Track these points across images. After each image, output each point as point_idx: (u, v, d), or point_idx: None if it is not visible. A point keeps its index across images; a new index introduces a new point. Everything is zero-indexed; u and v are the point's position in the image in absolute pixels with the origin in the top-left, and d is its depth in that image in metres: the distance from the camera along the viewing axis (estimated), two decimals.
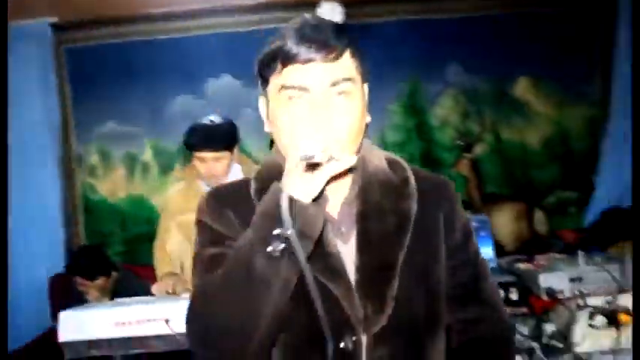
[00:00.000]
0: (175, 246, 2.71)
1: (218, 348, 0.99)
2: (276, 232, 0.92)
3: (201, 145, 2.56)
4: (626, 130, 4.06)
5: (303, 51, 1.01)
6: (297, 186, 0.94)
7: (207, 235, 1.13)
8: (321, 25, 1.06)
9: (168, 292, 2.43)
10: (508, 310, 2.07)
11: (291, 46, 1.02)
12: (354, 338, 1.03)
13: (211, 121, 2.61)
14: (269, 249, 0.93)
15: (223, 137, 2.60)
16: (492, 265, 2.66)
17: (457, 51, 4.16)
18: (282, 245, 0.92)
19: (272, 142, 1.22)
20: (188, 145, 2.61)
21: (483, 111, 4.23)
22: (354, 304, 1.04)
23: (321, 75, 1.02)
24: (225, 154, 2.59)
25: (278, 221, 0.92)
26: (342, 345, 1.02)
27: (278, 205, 0.92)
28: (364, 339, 1.04)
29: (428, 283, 1.11)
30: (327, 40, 1.02)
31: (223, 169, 2.60)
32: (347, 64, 1.06)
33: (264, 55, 1.07)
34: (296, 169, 0.95)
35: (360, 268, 1.07)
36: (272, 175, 1.11)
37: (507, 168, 4.27)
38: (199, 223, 1.16)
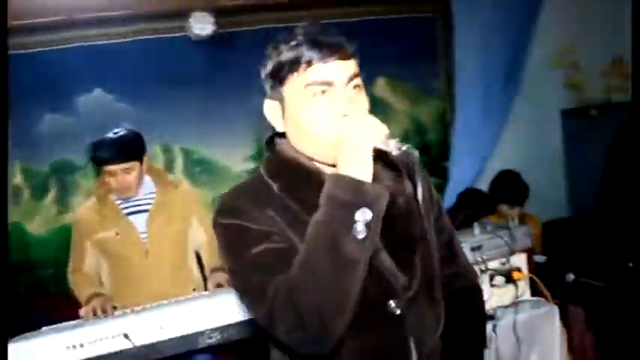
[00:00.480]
0: (92, 264, 2.65)
1: (316, 333, 1.06)
2: (358, 216, 1.04)
3: (110, 158, 2.52)
4: (471, 119, 4.66)
5: (325, 51, 1.15)
6: (368, 172, 1.09)
7: (249, 235, 1.16)
8: (331, 30, 1.20)
9: (96, 314, 2.38)
10: None
11: (314, 47, 1.16)
12: (393, 303, 1.21)
13: (115, 133, 2.59)
14: (360, 236, 1.05)
15: (130, 147, 2.58)
16: None
17: None
18: (366, 227, 1.05)
19: (268, 143, 1.34)
20: (96, 161, 2.56)
21: None
22: (397, 275, 1.22)
23: (341, 71, 1.17)
24: (135, 164, 2.57)
25: (351, 206, 1.05)
26: (390, 309, 1.20)
27: (355, 192, 1.05)
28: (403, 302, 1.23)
29: (431, 248, 1.33)
30: (342, 42, 1.18)
31: (134, 180, 2.58)
32: (354, 62, 1.21)
33: (286, 58, 1.17)
34: (365, 158, 1.09)
35: (387, 246, 1.24)
36: (291, 170, 1.25)
37: None
38: (234, 226, 1.18)
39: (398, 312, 1.20)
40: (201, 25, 4.00)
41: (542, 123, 4.94)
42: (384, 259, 1.22)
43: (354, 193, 1.06)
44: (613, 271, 2.87)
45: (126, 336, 2.00)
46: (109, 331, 2.03)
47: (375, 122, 1.11)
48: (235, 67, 4.10)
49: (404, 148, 1.08)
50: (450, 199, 4.55)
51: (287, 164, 1.27)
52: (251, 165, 4.30)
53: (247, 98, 3.89)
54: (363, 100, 1.21)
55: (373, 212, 1.06)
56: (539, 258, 3.00)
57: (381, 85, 4.65)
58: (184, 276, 2.64)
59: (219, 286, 2.53)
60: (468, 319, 1.45)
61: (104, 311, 2.38)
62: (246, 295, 1.17)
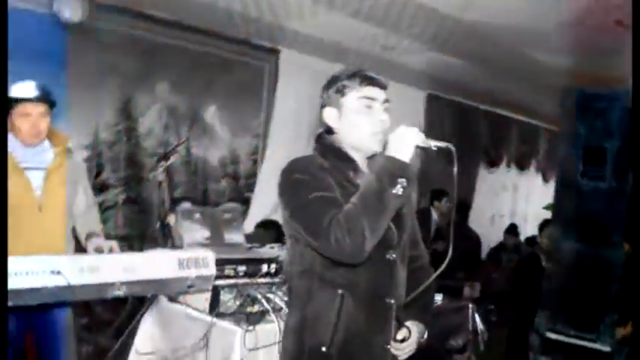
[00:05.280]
0: None
1: (357, 243, 1.58)
2: (400, 182, 1.61)
3: (32, 97, 2.63)
4: (278, 159, 5.39)
5: (374, 81, 1.79)
6: (408, 158, 1.66)
7: (311, 185, 1.69)
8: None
9: None
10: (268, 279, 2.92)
11: (368, 76, 1.78)
12: (394, 255, 1.81)
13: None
14: (399, 193, 1.61)
15: (49, 93, 2.73)
16: None
17: (167, 71, 4.81)
18: (402, 189, 1.62)
19: (318, 137, 1.86)
20: (16, 100, 2.63)
21: (180, 127, 4.96)
22: (394, 232, 1.81)
23: (381, 94, 1.80)
24: (48, 112, 2.71)
25: (396, 176, 1.61)
26: (389, 255, 1.79)
27: (401, 168, 1.62)
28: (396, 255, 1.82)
29: (408, 227, 1.93)
30: (382, 79, 1.82)
31: (45, 128, 2.70)
32: (385, 92, 1.82)
33: (352, 79, 1.78)
34: (409, 149, 1.65)
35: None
36: (337, 153, 1.82)
37: (192, 177, 5.07)
38: (301, 179, 1.71)
39: (393, 257, 1.80)
40: (71, 9, 4.06)
41: None
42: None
43: (401, 169, 1.64)
44: None
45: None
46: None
47: (417, 130, 1.71)
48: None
49: (440, 144, 1.71)
50: (248, 226, 5.15)
51: (335, 150, 1.83)
52: None
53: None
54: (387, 115, 1.81)
55: (409, 182, 1.65)
56: None
57: (211, 113, 5.15)
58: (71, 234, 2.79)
59: (98, 249, 2.69)
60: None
61: None
62: (307, 222, 1.67)
